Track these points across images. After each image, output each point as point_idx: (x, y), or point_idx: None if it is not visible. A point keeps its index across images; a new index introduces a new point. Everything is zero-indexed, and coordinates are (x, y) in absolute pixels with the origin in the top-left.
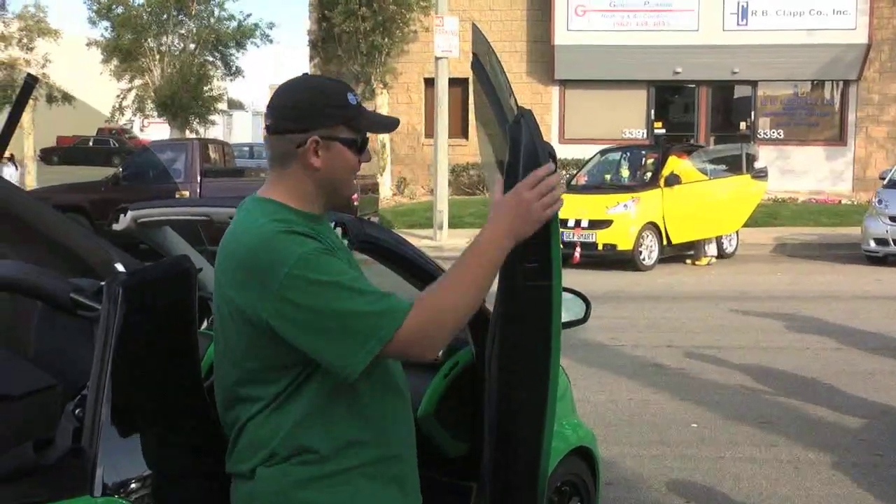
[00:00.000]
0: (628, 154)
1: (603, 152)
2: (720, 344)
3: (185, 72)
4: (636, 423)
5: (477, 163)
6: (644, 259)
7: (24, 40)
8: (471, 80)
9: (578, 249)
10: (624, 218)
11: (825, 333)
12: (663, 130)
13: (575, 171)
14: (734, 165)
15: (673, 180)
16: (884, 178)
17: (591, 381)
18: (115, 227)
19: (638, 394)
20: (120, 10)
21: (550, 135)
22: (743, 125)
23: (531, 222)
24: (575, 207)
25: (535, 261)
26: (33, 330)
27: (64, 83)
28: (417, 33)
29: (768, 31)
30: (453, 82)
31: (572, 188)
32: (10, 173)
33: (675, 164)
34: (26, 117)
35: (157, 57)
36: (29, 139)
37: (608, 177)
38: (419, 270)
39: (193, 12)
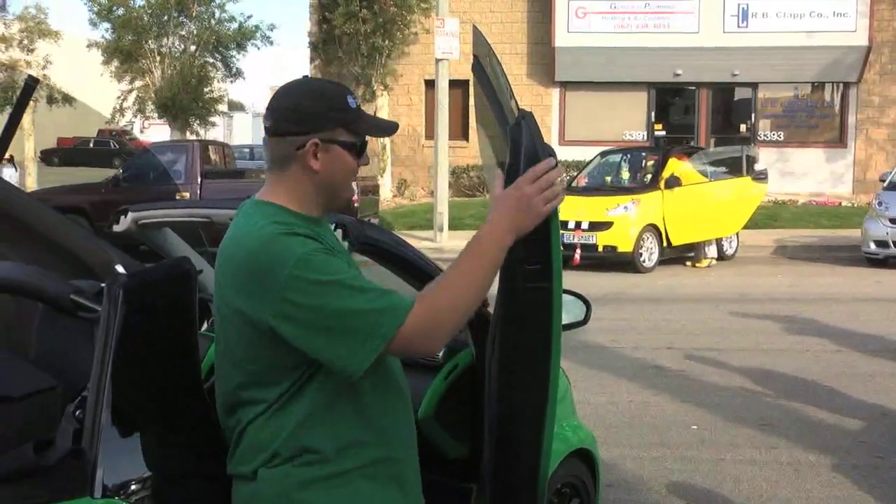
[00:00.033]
0: (628, 156)
1: (603, 154)
2: (720, 346)
3: (185, 73)
4: (636, 424)
5: (477, 164)
6: (644, 261)
7: (25, 42)
8: (471, 82)
9: (578, 251)
10: (624, 220)
11: (825, 335)
12: (663, 132)
13: (575, 173)
14: (734, 167)
15: (673, 182)
16: (884, 181)
17: (592, 383)
18: (116, 228)
19: (638, 396)
20: (121, 11)
21: (551, 137)
22: (743, 127)
23: (532, 216)
24: (575, 209)
25: (535, 263)
26: (34, 331)
27: (64, 84)
28: (418, 35)
29: (769, 33)
30: (454, 84)
31: (573, 190)
32: (9, 174)
33: (676, 166)
34: (27, 119)
35: (158, 58)
36: (29, 140)
37: (608, 179)
38: (419, 272)
39: (194, 14)
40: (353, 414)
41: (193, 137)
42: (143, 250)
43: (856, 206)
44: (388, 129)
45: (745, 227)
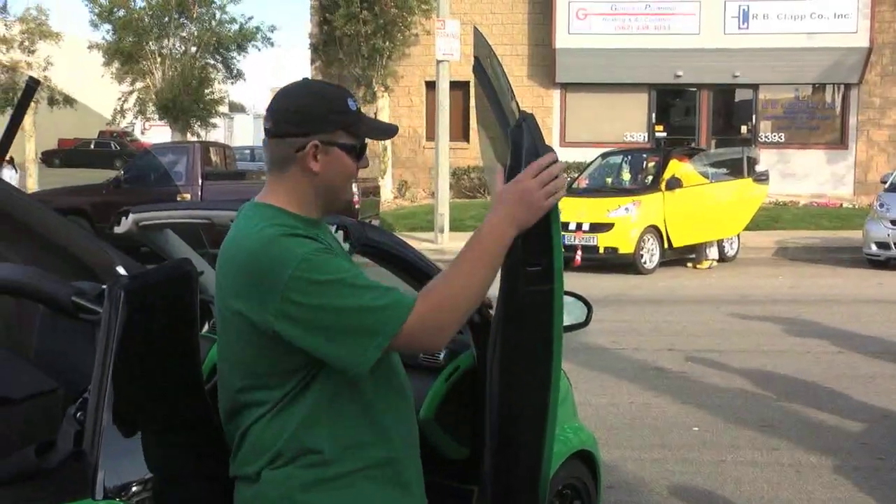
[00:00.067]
0: (629, 157)
1: (604, 155)
2: (721, 347)
3: (186, 75)
4: (637, 426)
5: (478, 166)
6: (645, 262)
7: (26, 43)
8: (472, 84)
9: (579, 253)
10: (625, 221)
11: (826, 337)
12: (664, 134)
13: (576, 175)
14: (735, 169)
15: (674, 184)
16: (885, 182)
17: (593, 385)
18: (117, 229)
19: (639, 397)
20: (121, 12)
21: (552, 138)
22: (744, 129)
23: (534, 210)
24: (576, 211)
25: (537, 265)
26: (35, 333)
27: (65, 86)
28: (419, 36)
29: (769, 34)
30: (454, 85)
31: (573, 191)
32: (10, 176)
33: (677, 167)
34: (28, 120)
35: (159, 60)
36: (30, 142)
37: (609, 180)
38: (420, 274)
39: (195, 15)
40: (355, 414)
41: (194, 139)
42: (144, 252)
43: (857, 207)
44: (388, 131)
45: (746, 228)
